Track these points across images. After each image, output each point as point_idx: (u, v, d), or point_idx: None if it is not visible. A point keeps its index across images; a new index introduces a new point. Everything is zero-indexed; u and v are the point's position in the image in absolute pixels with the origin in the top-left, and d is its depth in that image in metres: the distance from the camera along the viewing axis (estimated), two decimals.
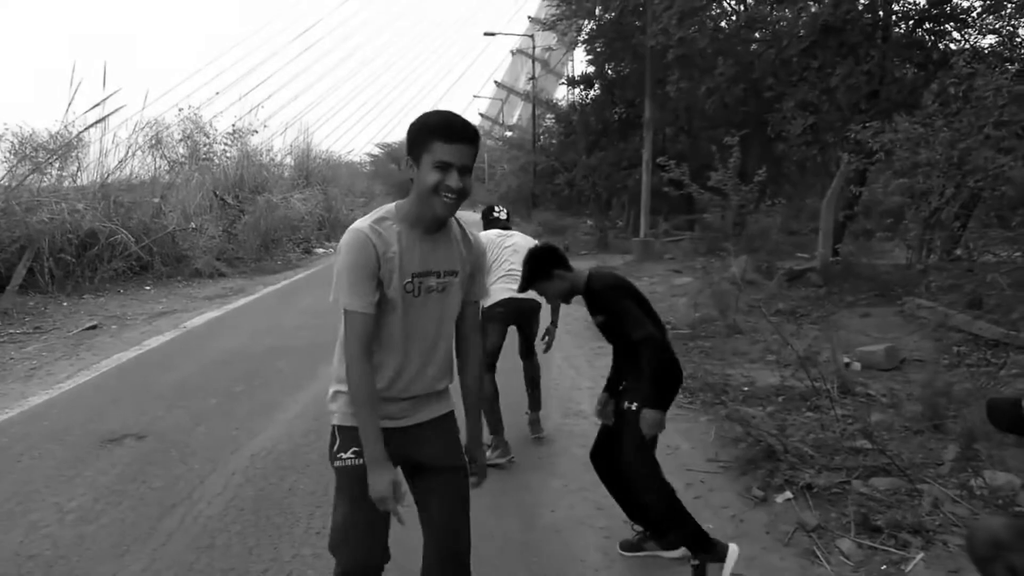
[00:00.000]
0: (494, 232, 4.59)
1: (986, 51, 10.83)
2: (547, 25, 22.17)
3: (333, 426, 2.03)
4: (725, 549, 2.82)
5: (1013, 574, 1.86)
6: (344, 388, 1.97)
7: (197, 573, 2.93)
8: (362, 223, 1.90)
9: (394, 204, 1.96)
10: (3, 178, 11.89)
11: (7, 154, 13.18)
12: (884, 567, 2.87)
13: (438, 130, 1.83)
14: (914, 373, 5.66)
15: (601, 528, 3.31)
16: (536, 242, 4.34)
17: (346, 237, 1.88)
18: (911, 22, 11.86)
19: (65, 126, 13.41)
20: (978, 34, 11.35)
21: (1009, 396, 2.00)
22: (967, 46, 11.25)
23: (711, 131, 19.25)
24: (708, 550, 2.81)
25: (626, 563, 3.01)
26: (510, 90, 42.50)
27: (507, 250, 4.40)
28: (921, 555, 2.90)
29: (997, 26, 10.98)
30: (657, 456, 3.74)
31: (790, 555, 3.02)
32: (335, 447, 2.02)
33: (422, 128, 1.85)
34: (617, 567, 2.98)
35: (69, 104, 13.02)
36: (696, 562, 2.82)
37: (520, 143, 31.69)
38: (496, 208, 4.79)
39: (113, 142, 14.37)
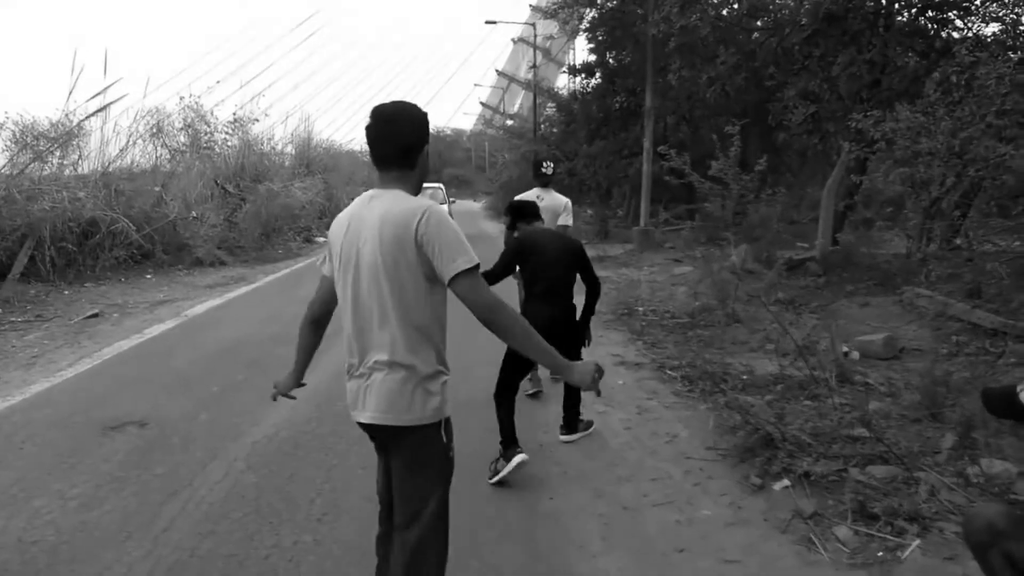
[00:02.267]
0: (531, 197, 4.90)
1: (989, 39, 10.73)
2: (548, 13, 22.00)
3: (444, 420, 2.02)
4: (514, 455, 3.63)
5: (1009, 560, 1.88)
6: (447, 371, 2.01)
7: (199, 559, 2.96)
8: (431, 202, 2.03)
9: (403, 192, 2.04)
10: (4, 166, 11.90)
11: (8, 142, 13.18)
12: (880, 554, 2.90)
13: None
14: (913, 362, 5.67)
15: (600, 515, 3.34)
16: (567, 201, 5.19)
17: (442, 211, 1.97)
18: (914, 10, 11.76)
19: (66, 114, 13.40)
20: (981, 22, 11.26)
21: (1005, 385, 2.01)
22: (970, 34, 11.17)
23: (712, 120, 19.15)
24: (506, 447, 3.69)
25: (625, 549, 3.03)
26: (511, 79, 42.38)
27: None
28: (917, 542, 2.92)
29: (1000, 14, 10.89)
30: (656, 443, 3.74)
31: (787, 542, 3.05)
32: (446, 440, 2.03)
33: (427, 123, 2.07)
34: (616, 553, 3.00)
35: (70, 92, 13.02)
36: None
37: (521, 132, 31.52)
38: (545, 164, 5.16)
39: (114, 131, 14.38)
